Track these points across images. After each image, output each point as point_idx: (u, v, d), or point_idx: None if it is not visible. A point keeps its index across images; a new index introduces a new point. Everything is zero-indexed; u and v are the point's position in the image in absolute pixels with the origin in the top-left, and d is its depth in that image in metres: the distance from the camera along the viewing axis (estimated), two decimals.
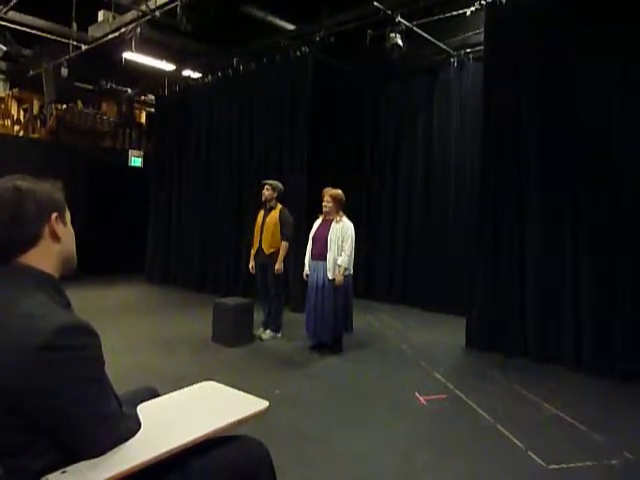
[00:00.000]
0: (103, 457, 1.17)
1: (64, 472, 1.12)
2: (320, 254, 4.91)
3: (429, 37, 6.58)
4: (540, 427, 3.40)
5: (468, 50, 6.86)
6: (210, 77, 8.50)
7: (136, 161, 10.43)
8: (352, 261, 4.91)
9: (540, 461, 2.90)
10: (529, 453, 3.00)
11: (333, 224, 4.91)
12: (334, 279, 4.82)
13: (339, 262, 4.80)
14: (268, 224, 5.40)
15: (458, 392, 4.04)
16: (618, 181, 4.49)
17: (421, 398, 3.89)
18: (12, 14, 6.55)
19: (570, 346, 4.69)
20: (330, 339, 4.95)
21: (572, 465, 2.86)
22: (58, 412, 1.11)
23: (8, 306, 1.15)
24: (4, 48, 6.88)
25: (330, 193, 4.96)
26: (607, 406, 3.84)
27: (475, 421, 3.49)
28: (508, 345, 5.07)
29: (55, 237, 1.28)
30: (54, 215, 1.27)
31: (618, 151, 4.49)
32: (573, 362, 4.65)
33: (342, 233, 4.85)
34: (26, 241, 1.23)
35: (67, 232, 1.33)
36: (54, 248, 1.28)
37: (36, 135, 9.68)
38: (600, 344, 4.51)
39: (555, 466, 2.85)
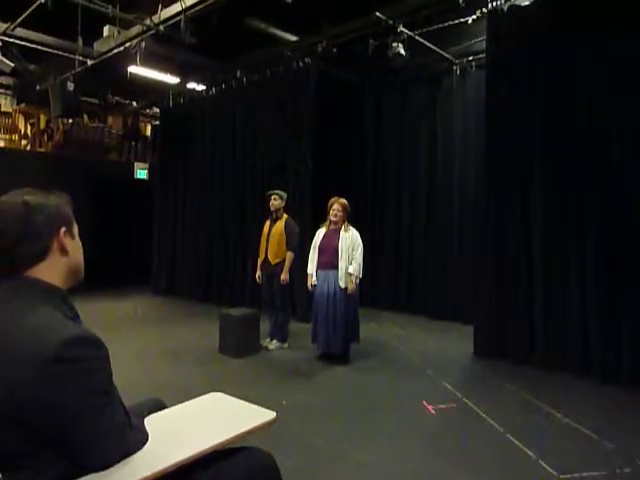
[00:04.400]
0: (110, 470, 1.16)
1: None
2: (329, 263, 4.91)
3: (431, 46, 6.60)
4: (550, 435, 3.37)
5: (470, 58, 6.88)
6: (214, 89, 8.55)
7: (141, 173, 10.51)
8: (362, 269, 4.92)
9: (551, 470, 2.87)
10: (540, 462, 2.96)
11: (342, 233, 4.91)
12: (346, 288, 4.82)
13: (351, 271, 4.81)
14: (274, 234, 5.41)
15: (466, 401, 4.01)
16: (621, 180, 4.48)
17: (429, 407, 3.87)
18: (19, 31, 6.64)
19: (578, 352, 4.65)
20: (341, 348, 4.94)
21: (584, 474, 2.83)
22: (65, 424, 1.10)
23: (16, 319, 1.16)
24: (11, 64, 6.95)
25: (340, 202, 4.97)
26: (616, 413, 3.80)
27: (484, 430, 3.46)
28: (515, 352, 5.03)
29: (63, 251, 1.28)
30: (62, 229, 1.28)
31: (620, 151, 4.49)
32: (581, 368, 4.60)
33: (352, 242, 4.86)
34: (35, 255, 1.24)
35: (75, 245, 1.33)
36: (62, 261, 1.28)
37: (43, 149, 9.76)
38: (607, 349, 4.47)
39: (567, 475, 2.81)
